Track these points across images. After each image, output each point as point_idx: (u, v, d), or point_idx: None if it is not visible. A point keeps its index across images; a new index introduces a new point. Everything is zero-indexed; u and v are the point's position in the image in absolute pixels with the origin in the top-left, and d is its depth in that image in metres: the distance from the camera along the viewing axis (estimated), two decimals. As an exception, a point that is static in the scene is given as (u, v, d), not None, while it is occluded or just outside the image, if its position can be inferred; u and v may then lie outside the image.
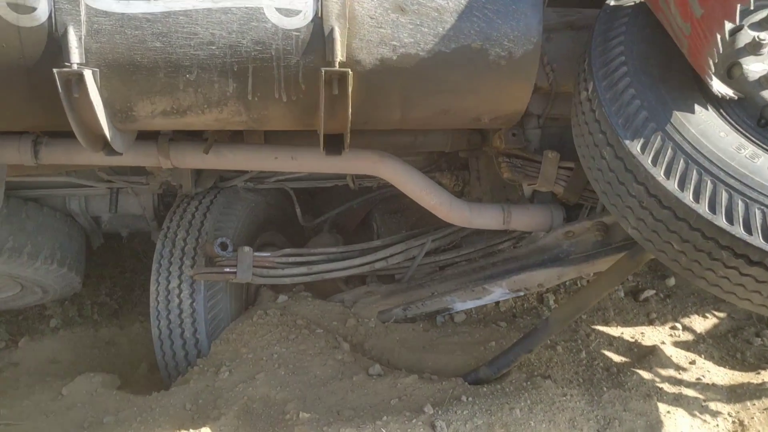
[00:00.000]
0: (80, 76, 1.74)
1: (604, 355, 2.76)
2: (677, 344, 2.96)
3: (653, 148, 1.89)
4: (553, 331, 2.48)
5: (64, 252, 3.49)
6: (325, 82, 1.84)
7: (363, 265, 3.11)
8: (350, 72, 1.81)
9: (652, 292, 3.29)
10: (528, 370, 2.56)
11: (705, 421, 2.48)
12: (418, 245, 3.18)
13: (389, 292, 3.09)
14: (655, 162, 1.88)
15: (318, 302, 3.18)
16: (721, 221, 1.78)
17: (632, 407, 2.43)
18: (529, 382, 2.45)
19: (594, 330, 2.95)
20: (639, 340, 2.94)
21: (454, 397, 2.38)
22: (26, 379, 3.69)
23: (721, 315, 3.22)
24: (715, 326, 3.16)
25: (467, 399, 2.35)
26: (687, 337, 3.06)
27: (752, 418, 2.50)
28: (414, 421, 2.27)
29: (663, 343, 2.92)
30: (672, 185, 1.85)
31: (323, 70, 1.82)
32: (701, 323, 3.16)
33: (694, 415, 2.49)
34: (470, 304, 2.84)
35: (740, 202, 1.78)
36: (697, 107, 1.94)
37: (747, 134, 1.91)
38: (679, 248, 1.91)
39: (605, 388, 2.49)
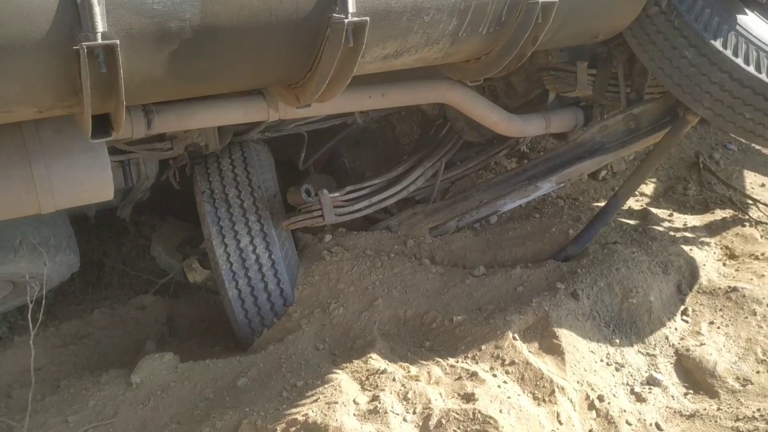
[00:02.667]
0: (357, 26, 1.82)
1: (622, 222, 3.47)
2: (650, 204, 3.79)
3: (732, 44, 2.53)
4: (621, 204, 3.11)
5: (57, 235, 3.17)
6: (527, 12, 2.14)
7: (402, 190, 3.39)
8: (556, 3, 2.13)
9: (605, 171, 4.08)
10: (596, 242, 3.15)
11: (707, 252, 3.33)
12: (434, 164, 3.55)
13: (434, 210, 3.43)
14: (736, 54, 2.52)
15: (364, 234, 3.40)
16: (788, 89, 2.50)
17: (671, 251, 3.18)
18: (606, 250, 3.05)
19: (595, 206, 3.63)
20: (631, 206, 3.71)
21: (570, 272, 2.88)
22: (19, 392, 3.36)
23: (653, 180, 4.13)
24: (656, 189, 4.06)
25: (581, 271, 2.87)
26: (647, 199, 3.91)
27: (732, 242, 3.42)
28: (558, 296, 2.74)
29: (644, 206, 3.73)
30: (752, 69, 2.51)
31: (528, 3, 2.12)
32: (646, 189, 4.04)
33: (701, 248, 3.32)
34: (519, 202, 3.32)
35: (798, 75, 2.51)
36: (747, 12, 2.62)
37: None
38: (750, 116, 2.60)
39: (649, 242, 3.19)
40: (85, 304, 4.42)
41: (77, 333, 3.98)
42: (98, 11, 1.49)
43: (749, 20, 2.60)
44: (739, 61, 2.52)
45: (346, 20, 1.79)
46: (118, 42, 1.50)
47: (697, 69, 2.60)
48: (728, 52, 2.53)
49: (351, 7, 1.80)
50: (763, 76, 2.51)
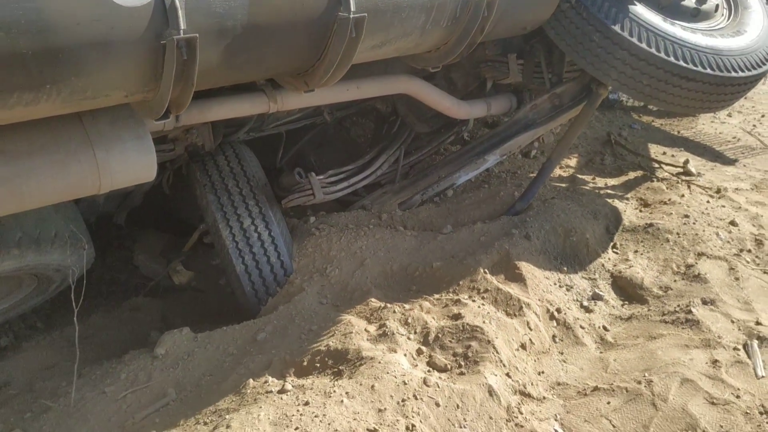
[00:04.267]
0: (358, 21, 2.42)
1: (555, 185, 4.17)
2: (575, 173, 4.52)
3: (628, 27, 3.27)
4: (555, 165, 3.80)
5: (81, 230, 3.57)
6: (475, 8, 2.79)
7: (371, 174, 3.99)
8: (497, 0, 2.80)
9: (535, 151, 4.80)
10: (537, 199, 3.83)
11: (626, 203, 4.06)
12: (394, 152, 4.17)
13: (400, 188, 4.02)
14: (631, 35, 3.27)
15: (344, 213, 3.95)
16: (672, 59, 3.26)
17: (598, 202, 3.89)
18: (547, 204, 3.73)
19: (531, 176, 4.32)
20: (560, 174, 4.43)
21: (521, 221, 3.54)
22: (41, 384, 3.71)
23: (575, 155, 4.88)
24: (578, 162, 4.81)
25: (530, 220, 3.53)
26: (572, 170, 4.65)
27: (644, 194, 4.18)
28: (514, 239, 3.38)
29: (571, 174, 4.46)
30: (644, 46, 3.26)
31: (476, 0, 2.77)
32: (570, 162, 4.78)
33: (621, 200, 4.05)
34: (471, 175, 3.97)
35: (678, 49, 3.28)
36: (635, 2, 3.38)
37: (660, 13, 3.43)
38: (647, 83, 3.35)
39: (579, 197, 3.90)
40: (79, 312, 4.74)
41: (81, 334, 4.33)
42: (181, 14, 2.02)
43: (638, 9, 3.36)
44: (634, 39, 3.26)
45: (350, 16, 2.38)
46: (197, 35, 2.03)
47: (604, 49, 3.33)
48: (625, 34, 3.27)
49: (353, 7, 2.39)
50: (653, 50, 3.26)
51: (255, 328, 3.29)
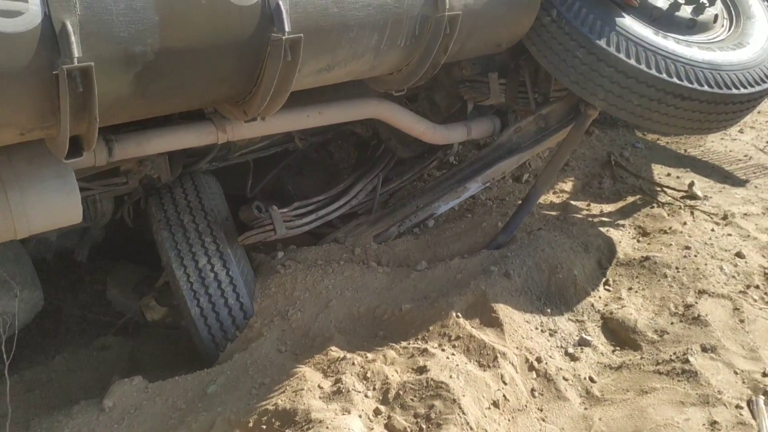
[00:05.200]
0: (293, 42, 2.14)
1: (545, 214, 3.84)
2: (569, 199, 4.19)
3: (614, 42, 2.96)
4: (540, 193, 3.48)
5: (23, 273, 3.32)
6: (436, 25, 2.50)
7: (345, 204, 3.69)
8: (460, 15, 2.51)
9: (527, 175, 4.48)
10: (522, 230, 3.50)
11: (623, 232, 3.73)
12: (372, 179, 3.88)
13: (376, 219, 3.72)
14: (618, 50, 2.95)
15: (314, 247, 3.66)
16: (664, 76, 2.94)
17: (590, 233, 3.56)
18: (532, 236, 3.41)
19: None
20: (552, 200, 4.10)
21: (501, 257, 3.22)
22: None
23: (570, 178, 4.55)
24: (574, 186, 4.48)
25: (511, 254, 3.21)
26: (566, 195, 4.32)
27: (644, 222, 3.84)
28: (492, 277, 3.06)
29: (564, 200, 4.13)
30: (633, 62, 2.94)
31: (436, 17, 2.48)
32: (565, 186, 4.45)
33: (617, 229, 3.72)
34: (451, 204, 3.66)
35: (671, 64, 2.96)
36: (623, 15, 3.06)
37: (651, 26, 3.11)
38: (638, 102, 3.02)
39: (570, 227, 3.57)
40: (45, 352, 4.50)
41: (41, 378, 4.07)
42: (74, 39, 1.75)
43: (626, 21, 3.04)
44: (622, 55, 2.95)
45: (283, 37, 2.10)
46: (92, 64, 1.76)
47: (589, 66, 3.01)
48: (612, 49, 2.95)
49: (287, 26, 2.11)
50: (643, 67, 2.94)
51: (207, 379, 3.00)
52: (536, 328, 2.93)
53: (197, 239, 3.28)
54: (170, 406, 2.95)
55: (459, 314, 2.88)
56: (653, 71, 2.93)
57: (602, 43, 2.95)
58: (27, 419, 3.55)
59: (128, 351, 4.35)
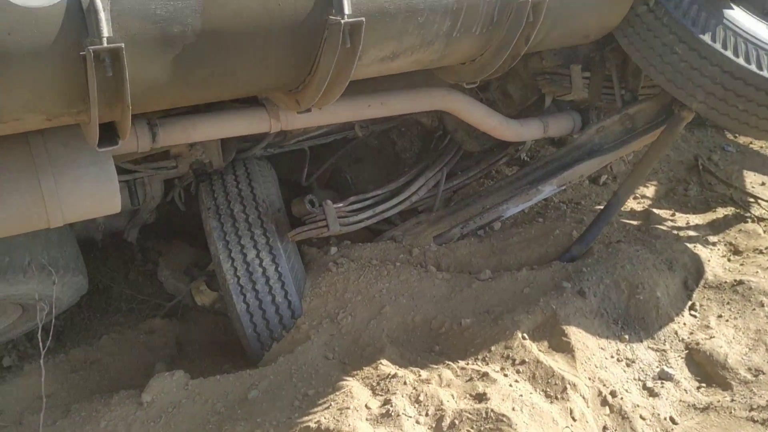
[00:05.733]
0: (354, 27, 1.87)
1: (625, 223, 3.48)
2: (651, 206, 3.81)
3: (721, 38, 2.57)
4: (622, 202, 3.13)
5: (66, 256, 3.18)
6: (518, 12, 2.19)
7: (404, 200, 3.42)
8: (545, 1, 2.18)
9: (606, 176, 4.11)
10: (600, 241, 3.17)
11: (712, 249, 3.34)
12: (434, 174, 3.59)
13: (437, 219, 3.44)
14: (725, 47, 2.56)
15: (369, 245, 3.41)
16: (780, 79, 2.54)
17: (675, 248, 3.19)
18: (611, 249, 3.07)
19: (598, 209, 3.65)
20: (632, 207, 3.73)
21: (576, 271, 2.90)
22: (30, 418, 3.36)
23: (653, 182, 4.15)
24: (657, 192, 4.09)
25: (587, 270, 2.88)
26: (648, 201, 3.93)
27: (735, 238, 3.43)
28: (564, 295, 2.75)
29: (646, 207, 3.75)
30: (741, 61, 2.55)
31: (518, 2, 2.17)
32: (647, 191, 4.06)
33: (705, 245, 3.33)
34: (521, 207, 3.34)
35: (787, 65, 2.55)
36: (732, 6, 2.67)
37: (765, 20, 2.70)
38: (743, 107, 2.63)
39: (653, 241, 3.21)
40: (92, 330, 4.43)
41: (86, 359, 3.99)
42: (103, 17, 1.53)
43: (736, 14, 2.64)
44: (729, 53, 2.56)
45: (342, 21, 1.83)
46: (122, 45, 1.54)
47: (688, 64, 2.64)
48: (717, 46, 2.57)
49: (347, 9, 1.84)
50: (753, 67, 2.55)
51: (249, 382, 2.82)
52: (612, 357, 2.61)
53: (247, 231, 3.08)
54: (209, 408, 2.79)
55: (525, 335, 2.59)
56: (765, 73, 2.54)
57: (706, 38, 2.57)
58: (68, 403, 3.47)
59: (174, 336, 4.22)
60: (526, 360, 2.50)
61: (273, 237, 3.07)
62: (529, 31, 2.23)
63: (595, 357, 2.56)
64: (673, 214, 3.68)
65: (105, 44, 1.54)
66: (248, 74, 1.92)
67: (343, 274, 3.14)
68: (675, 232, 3.42)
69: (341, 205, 3.13)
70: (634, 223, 3.50)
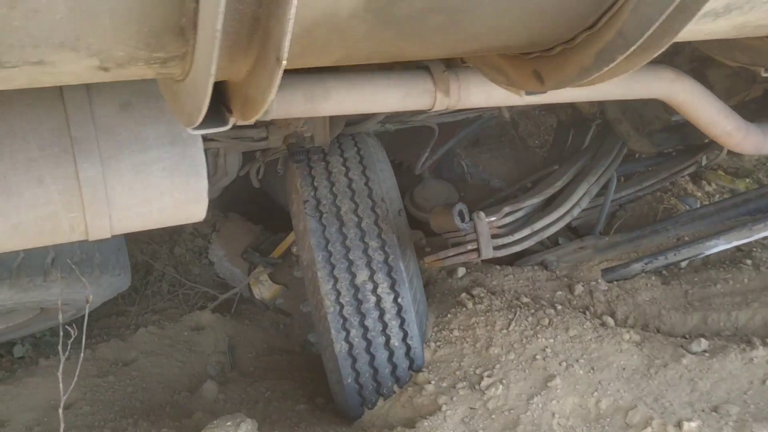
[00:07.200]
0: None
1: None
2: None
3: None
4: None
5: (104, 250, 2.31)
6: None
7: (566, 214, 2.47)
8: None
9: None
10: None
11: None
12: (597, 180, 2.63)
13: (609, 245, 2.51)
14: None
15: (510, 270, 2.50)
16: None
17: None
18: None
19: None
20: None
21: None
22: None
23: None
24: None
25: None
26: None
27: None
28: None
29: None
30: None
31: None
32: None
33: None
34: (735, 244, 2.38)
35: None
36: None
37: None
38: None
39: None
40: (127, 316, 3.60)
41: (117, 358, 3.16)
42: None
43: None
44: None
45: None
46: None
47: None
48: None
49: None
50: None
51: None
52: None
53: (358, 241, 2.16)
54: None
55: (795, 469, 1.66)
56: None
57: None
58: (91, 423, 2.70)
59: (226, 338, 3.38)
60: None
61: (394, 253, 2.16)
62: None
63: None
64: None
65: None
66: (488, 20, 0.97)
67: (484, 315, 2.23)
68: None
69: (494, 219, 2.18)
70: None
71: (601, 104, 2.95)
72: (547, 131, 3.68)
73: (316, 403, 2.67)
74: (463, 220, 2.05)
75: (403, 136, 3.07)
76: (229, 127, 1.00)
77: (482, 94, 1.73)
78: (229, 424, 2.16)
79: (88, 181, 1.21)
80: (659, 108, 2.92)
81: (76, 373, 1.98)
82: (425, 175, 3.10)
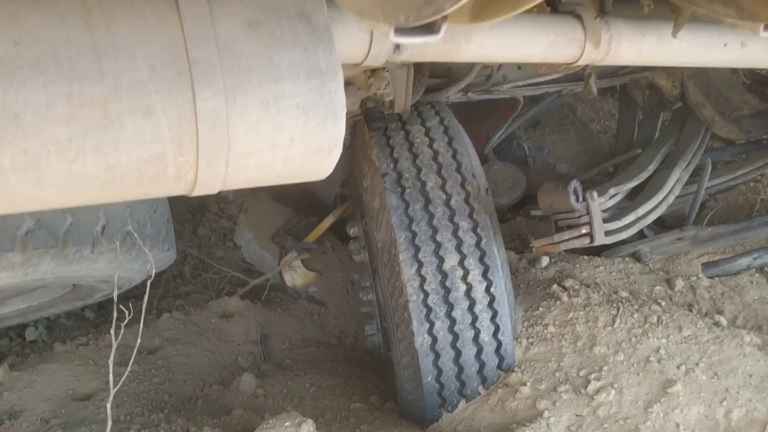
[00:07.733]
0: None
1: None
2: None
3: None
4: None
5: (156, 221, 2.03)
6: None
7: (662, 201, 2.21)
8: None
9: None
10: None
11: None
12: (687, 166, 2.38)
13: (709, 237, 2.25)
14: None
15: (600, 261, 2.24)
16: None
17: None
18: None
19: None
20: None
21: None
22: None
23: None
24: None
25: None
26: None
27: None
28: None
29: None
30: None
31: None
32: None
33: None
34: None
35: None
36: None
37: None
38: None
39: None
40: (149, 299, 3.29)
41: (141, 345, 2.86)
42: None
43: None
44: None
45: None
46: None
47: None
48: None
49: None
50: None
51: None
52: None
53: (447, 221, 1.89)
54: None
55: None
56: None
57: None
58: (116, 417, 2.42)
59: (257, 327, 3.10)
60: None
61: (487, 236, 1.89)
62: None
63: None
64: None
65: None
66: None
67: (583, 310, 1.97)
68: None
69: (602, 200, 1.92)
70: None
71: (683, 86, 2.71)
72: (605, 116, 3.42)
73: (370, 402, 2.40)
74: (578, 199, 1.78)
75: (459, 110, 2.80)
76: (439, 35, 0.73)
77: (633, 48, 1.46)
78: (287, 424, 1.89)
79: (207, 116, 0.93)
80: (745, 92, 2.69)
81: (133, 354, 1.67)
82: (490, 156, 2.84)
